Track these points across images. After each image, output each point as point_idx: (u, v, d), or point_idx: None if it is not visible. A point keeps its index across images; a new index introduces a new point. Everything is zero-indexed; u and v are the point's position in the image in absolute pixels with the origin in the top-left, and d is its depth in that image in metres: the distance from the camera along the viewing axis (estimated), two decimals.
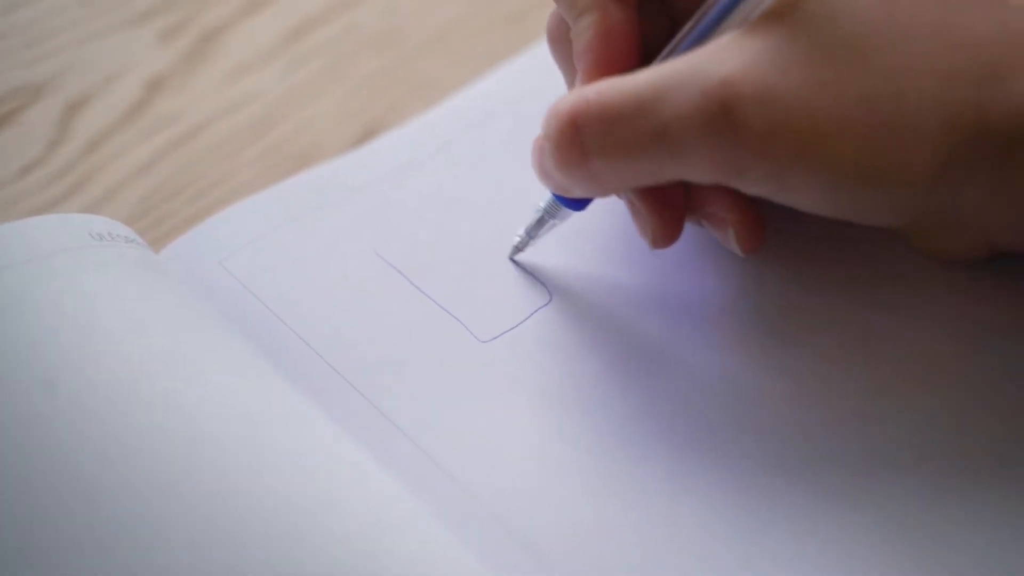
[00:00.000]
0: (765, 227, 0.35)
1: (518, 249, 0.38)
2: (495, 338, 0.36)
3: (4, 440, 0.29)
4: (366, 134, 0.45)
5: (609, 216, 0.39)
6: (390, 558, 0.29)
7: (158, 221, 0.42)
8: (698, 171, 0.32)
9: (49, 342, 0.31)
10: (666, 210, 0.35)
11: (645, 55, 0.34)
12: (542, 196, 0.37)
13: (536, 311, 0.37)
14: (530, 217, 0.38)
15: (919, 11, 0.31)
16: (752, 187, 0.32)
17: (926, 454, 0.33)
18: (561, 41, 0.36)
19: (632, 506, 0.32)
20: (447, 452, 0.34)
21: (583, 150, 0.32)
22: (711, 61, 0.31)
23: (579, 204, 0.36)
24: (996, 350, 0.35)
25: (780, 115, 0.30)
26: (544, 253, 0.38)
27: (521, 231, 0.38)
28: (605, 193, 0.35)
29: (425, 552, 0.29)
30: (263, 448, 0.30)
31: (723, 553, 0.31)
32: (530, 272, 0.38)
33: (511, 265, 0.38)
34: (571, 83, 0.37)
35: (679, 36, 0.33)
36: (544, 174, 0.35)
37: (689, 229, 0.37)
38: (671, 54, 0.33)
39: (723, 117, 0.30)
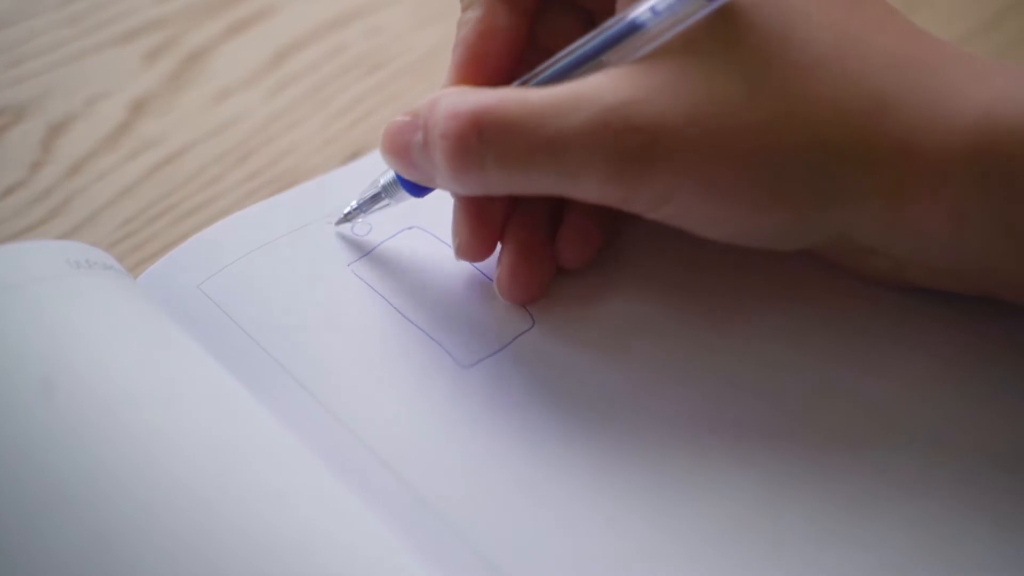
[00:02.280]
0: (535, 283, 0.37)
1: (346, 219, 0.40)
2: (477, 363, 0.36)
3: None
4: (350, 157, 0.45)
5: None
6: None
7: (140, 244, 0.42)
8: (586, 191, 0.33)
9: (23, 370, 0.31)
10: (480, 225, 0.36)
11: (542, 57, 0.35)
12: (383, 173, 0.38)
13: (518, 336, 0.37)
14: (367, 191, 0.39)
15: (815, 43, 0.32)
16: (641, 211, 0.33)
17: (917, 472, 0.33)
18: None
19: (611, 538, 0.32)
20: (427, 481, 0.33)
21: (481, 157, 0.33)
22: (608, 87, 0.32)
23: (421, 191, 0.37)
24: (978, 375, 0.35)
25: (667, 143, 0.31)
26: None
27: (354, 203, 0.39)
28: (486, 193, 0.35)
29: None
30: (239, 475, 0.30)
31: None
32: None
33: (493, 289, 0.38)
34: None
35: (568, 50, 0.34)
36: (405, 160, 0.35)
37: (676, 258, 0.38)
38: (556, 67, 0.34)
39: (615, 142, 0.31)
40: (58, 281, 0.34)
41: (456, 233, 0.37)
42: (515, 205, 0.37)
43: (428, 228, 0.40)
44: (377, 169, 0.42)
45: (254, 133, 0.46)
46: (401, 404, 0.35)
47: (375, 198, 0.39)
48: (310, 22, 0.51)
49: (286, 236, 0.40)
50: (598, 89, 0.32)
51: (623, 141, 0.31)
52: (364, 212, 0.39)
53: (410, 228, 0.40)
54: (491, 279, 0.38)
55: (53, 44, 0.49)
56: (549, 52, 0.35)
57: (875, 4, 0.34)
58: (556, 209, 0.38)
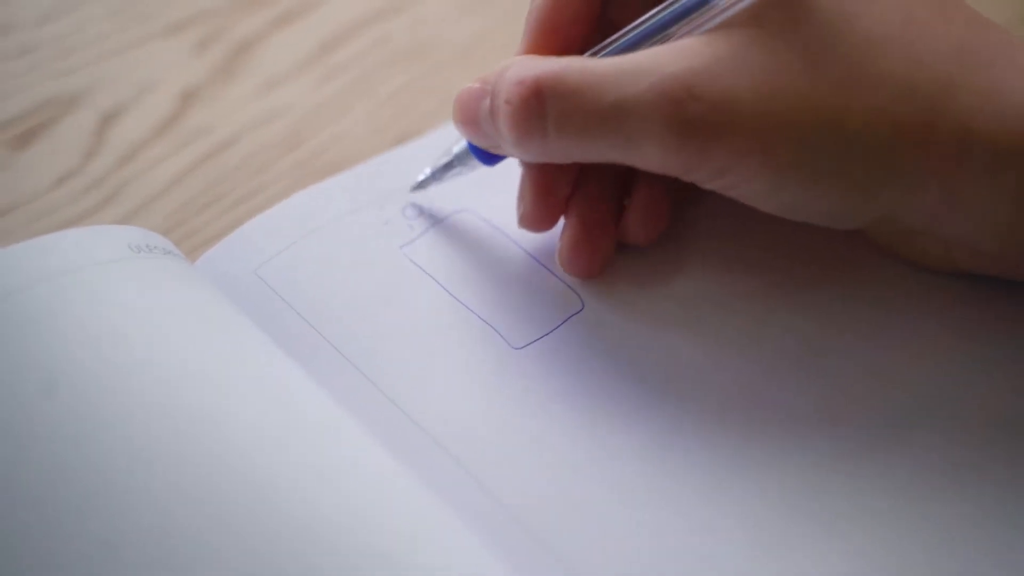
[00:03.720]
0: (598, 256, 0.37)
1: (421, 186, 0.40)
2: (528, 344, 0.37)
3: (31, 455, 0.30)
4: (396, 146, 0.45)
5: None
6: (422, 570, 0.29)
7: (191, 233, 0.42)
8: (648, 159, 0.33)
9: (88, 355, 0.31)
10: (545, 196, 0.37)
11: (612, 30, 0.35)
12: (456, 141, 0.38)
13: (569, 318, 0.37)
14: (440, 159, 0.39)
15: (882, 24, 0.32)
16: (700, 181, 0.33)
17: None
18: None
19: (664, 516, 0.32)
20: (479, 460, 0.34)
21: (543, 122, 0.33)
22: (672, 57, 0.32)
23: (492, 159, 0.38)
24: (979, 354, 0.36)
25: (728, 115, 0.31)
26: None
27: (428, 170, 0.40)
28: (549, 160, 0.36)
29: (456, 563, 0.29)
30: (299, 459, 0.30)
31: (760, 568, 0.31)
32: (557, 276, 0.38)
33: (545, 271, 0.38)
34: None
35: (637, 23, 0.34)
36: (475, 128, 0.36)
37: (720, 243, 0.38)
38: (625, 39, 0.34)
39: (676, 111, 0.31)
40: (121, 264, 0.34)
41: (521, 201, 0.37)
42: (582, 179, 0.38)
43: (479, 211, 0.41)
44: (425, 151, 0.42)
45: (301, 123, 0.47)
46: (453, 385, 0.36)
47: (447, 166, 0.39)
48: (355, 13, 0.51)
49: (339, 220, 0.41)
50: (661, 59, 0.32)
51: (684, 110, 0.31)
52: (437, 180, 0.40)
53: (461, 211, 0.41)
54: (541, 263, 0.39)
55: (101, 36, 0.50)
56: (619, 25, 0.35)
57: None
58: (622, 186, 0.38)
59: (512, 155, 0.36)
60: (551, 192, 0.37)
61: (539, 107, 0.33)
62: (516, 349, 0.36)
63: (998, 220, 0.33)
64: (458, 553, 0.30)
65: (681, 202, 0.39)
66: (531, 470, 0.34)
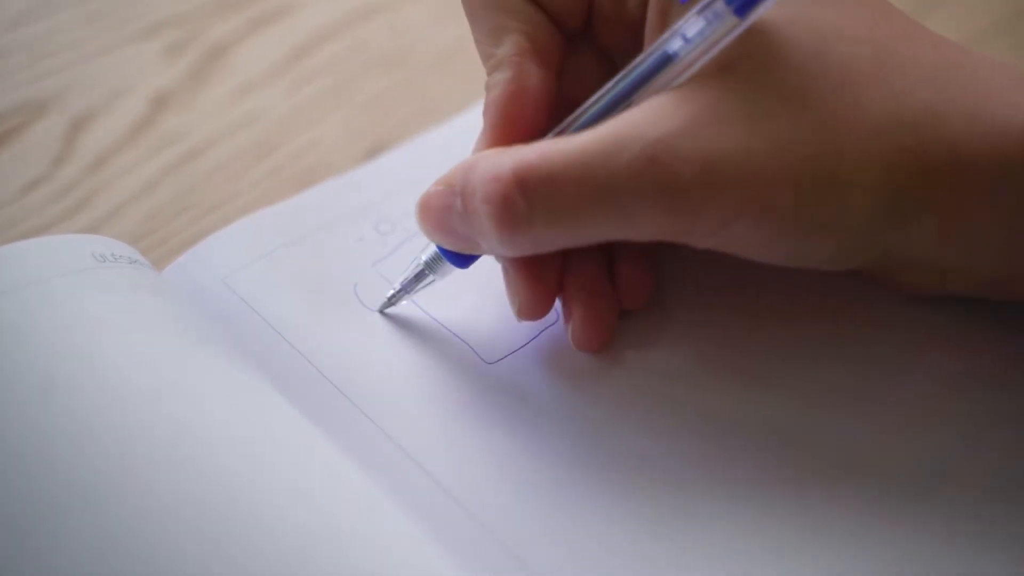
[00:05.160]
0: (609, 328, 0.36)
1: (390, 303, 0.38)
2: (501, 359, 0.36)
3: (3, 465, 0.29)
4: (372, 154, 0.45)
5: None
6: None
7: (162, 240, 0.42)
8: (642, 230, 0.32)
9: (50, 367, 0.31)
10: (538, 283, 0.35)
11: (567, 106, 0.34)
12: (424, 249, 0.36)
13: (543, 331, 0.37)
14: (408, 270, 0.37)
15: (853, 58, 0.31)
16: (699, 241, 0.32)
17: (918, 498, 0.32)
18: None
19: (634, 532, 0.32)
20: (451, 473, 0.33)
21: (530, 215, 0.31)
22: (651, 121, 0.30)
23: (465, 261, 0.36)
24: (982, 396, 0.35)
25: (719, 172, 0.30)
26: None
27: (396, 284, 0.37)
28: (536, 252, 0.34)
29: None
30: (264, 471, 0.30)
31: None
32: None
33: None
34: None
35: (600, 93, 0.33)
36: (446, 233, 0.34)
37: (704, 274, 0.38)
38: (589, 113, 0.33)
39: (666, 177, 0.30)
40: (85, 274, 0.34)
41: (515, 295, 0.35)
42: (568, 255, 0.36)
43: None
44: (398, 164, 0.42)
45: (276, 129, 0.46)
46: (426, 399, 0.35)
47: (419, 276, 0.37)
48: (331, 17, 0.51)
49: (312, 235, 0.40)
50: (639, 125, 0.31)
51: (675, 174, 0.30)
52: (408, 292, 0.37)
53: None
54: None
55: (73, 41, 0.49)
56: (574, 100, 0.34)
57: (898, 15, 0.34)
58: (608, 250, 0.37)
59: (494, 253, 0.35)
60: (542, 279, 0.35)
61: (522, 201, 0.31)
62: (489, 364, 0.36)
63: (992, 243, 0.32)
64: (430, 568, 0.29)
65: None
66: (504, 483, 0.33)
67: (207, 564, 0.28)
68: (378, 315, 0.38)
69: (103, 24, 0.50)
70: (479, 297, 0.38)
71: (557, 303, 0.37)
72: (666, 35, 0.31)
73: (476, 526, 0.32)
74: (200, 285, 0.38)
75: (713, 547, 0.31)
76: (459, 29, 0.50)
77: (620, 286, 0.37)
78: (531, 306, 0.35)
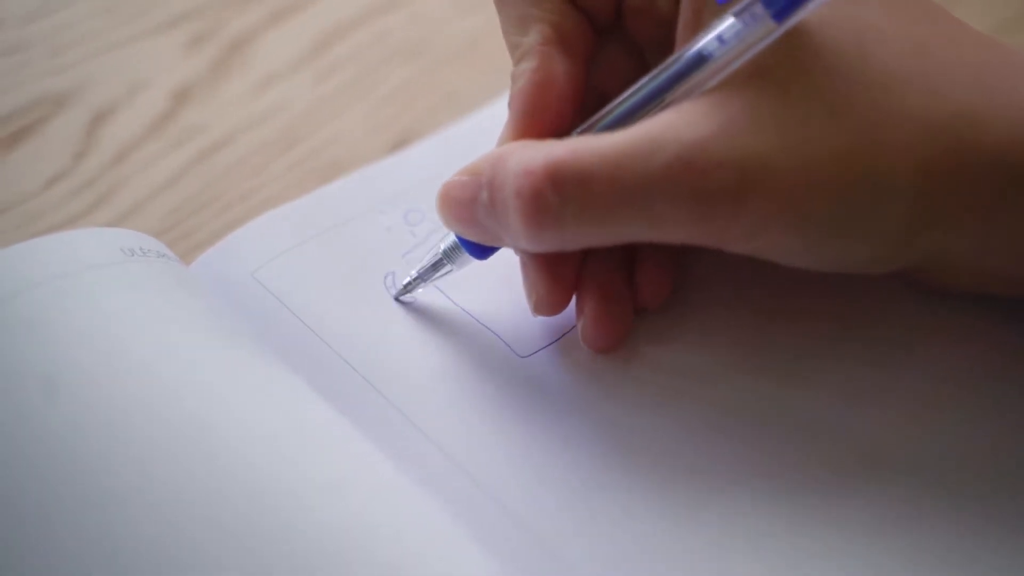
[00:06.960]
0: (620, 328, 0.36)
1: (407, 290, 0.37)
2: (534, 353, 0.36)
3: (29, 461, 0.29)
4: (395, 145, 0.45)
5: None
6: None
7: (185, 234, 0.42)
8: (674, 233, 0.31)
9: (80, 361, 0.31)
10: (556, 279, 0.35)
11: (597, 99, 0.34)
12: (443, 238, 0.36)
13: (575, 326, 0.36)
14: (426, 259, 0.37)
15: (893, 59, 0.31)
16: (731, 247, 0.32)
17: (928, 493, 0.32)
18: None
19: (667, 527, 0.32)
20: (483, 467, 0.33)
21: (562, 211, 0.31)
22: (686, 124, 0.30)
23: (484, 252, 0.35)
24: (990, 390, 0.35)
25: (756, 178, 0.30)
26: None
27: (413, 272, 0.37)
28: (562, 249, 0.34)
29: (461, 571, 0.29)
30: (296, 466, 0.30)
31: None
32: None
33: None
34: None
35: (632, 89, 0.32)
36: (469, 223, 0.34)
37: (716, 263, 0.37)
38: (620, 109, 0.32)
39: (702, 182, 0.29)
40: (114, 268, 0.33)
41: (532, 290, 0.35)
42: (588, 252, 0.36)
43: None
44: (425, 156, 0.41)
45: (298, 121, 0.46)
46: (458, 393, 0.35)
47: (436, 265, 0.36)
48: (352, 9, 0.51)
49: (340, 226, 0.40)
50: (673, 128, 0.30)
51: (710, 179, 0.29)
52: (425, 281, 0.37)
53: None
54: None
55: (91, 33, 0.49)
56: (604, 94, 0.33)
57: (942, 14, 0.33)
58: (628, 249, 0.36)
59: (518, 247, 0.34)
60: (562, 274, 0.35)
61: (554, 197, 0.30)
62: (522, 358, 0.36)
63: None
64: (460, 561, 0.29)
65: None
66: (536, 478, 0.33)
67: (240, 559, 0.27)
68: (409, 308, 0.37)
69: (122, 16, 0.49)
70: (510, 290, 0.37)
71: None
72: (701, 35, 0.31)
73: (509, 520, 0.32)
74: (228, 279, 0.38)
75: (750, 535, 0.32)
76: (480, 18, 0.50)
77: (640, 285, 0.36)
78: (548, 302, 0.35)
